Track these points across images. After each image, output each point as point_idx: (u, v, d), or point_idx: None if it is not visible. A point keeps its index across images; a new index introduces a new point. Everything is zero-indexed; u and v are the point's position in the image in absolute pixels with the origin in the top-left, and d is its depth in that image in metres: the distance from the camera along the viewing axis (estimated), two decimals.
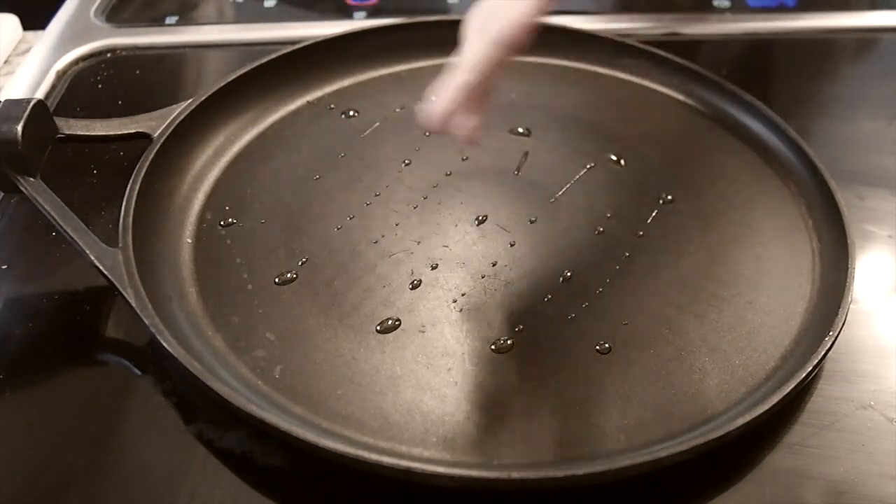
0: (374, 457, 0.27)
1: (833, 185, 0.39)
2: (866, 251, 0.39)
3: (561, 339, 0.34)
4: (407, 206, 0.40)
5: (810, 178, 0.41)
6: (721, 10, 0.57)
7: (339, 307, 0.35)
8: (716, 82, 0.46)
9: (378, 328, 0.34)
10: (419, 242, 0.38)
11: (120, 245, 0.33)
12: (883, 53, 0.56)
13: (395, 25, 0.49)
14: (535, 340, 0.34)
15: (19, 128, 0.34)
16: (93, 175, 0.42)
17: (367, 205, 0.40)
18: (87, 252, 0.33)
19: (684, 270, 0.37)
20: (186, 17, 0.57)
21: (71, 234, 0.33)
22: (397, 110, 0.46)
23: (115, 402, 0.32)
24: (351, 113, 0.46)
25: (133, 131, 0.39)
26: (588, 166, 0.43)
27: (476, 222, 0.39)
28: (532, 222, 0.39)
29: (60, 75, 0.51)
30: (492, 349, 0.33)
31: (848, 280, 0.34)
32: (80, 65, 0.52)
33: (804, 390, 0.32)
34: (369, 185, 0.41)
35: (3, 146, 0.34)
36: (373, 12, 0.57)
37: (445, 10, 0.58)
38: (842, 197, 0.38)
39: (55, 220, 0.34)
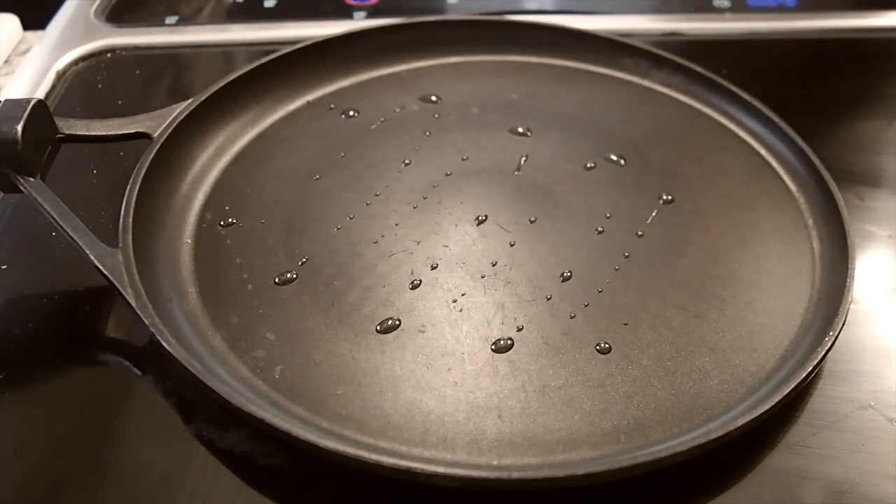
0: (375, 457, 0.27)
1: (833, 185, 0.39)
2: (866, 251, 0.39)
3: (561, 339, 0.34)
4: (407, 206, 0.40)
5: (810, 178, 0.41)
6: (721, 10, 0.57)
7: (339, 307, 0.35)
8: (716, 82, 0.46)
9: (378, 328, 0.34)
10: (419, 242, 0.38)
11: (120, 245, 0.33)
12: (883, 53, 0.56)
13: (395, 25, 0.49)
14: (535, 340, 0.34)
15: (19, 128, 0.34)
16: (93, 175, 0.42)
17: (367, 205, 0.40)
18: (87, 252, 0.33)
19: (684, 270, 0.37)
20: (186, 17, 0.57)
21: (71, 234, 0.33)
22: (397, 110, 0.46)
23: (115, 402, 0.32)
24: (351, 113, 0.46)
25: (133, 131, 0.39)
26: (588, 166, 0.43)
27: (476, 222, 0.39)
28: (532, 222, 0.39)
29: (60, 75, 0.51)
30: (492, 349, 0.33)
31: (848, 280, 0.34)
32: (80, 65, 0.52)
33: (804, 390, 0.32)
34: (369, 185, 0.41)
35: (3, 146, 0.34)
36: (373, 12, 0.57)
37: (445, 10, 0.58)
38: (842, 197, 0.38)
39: (55, 220, 0.34)
